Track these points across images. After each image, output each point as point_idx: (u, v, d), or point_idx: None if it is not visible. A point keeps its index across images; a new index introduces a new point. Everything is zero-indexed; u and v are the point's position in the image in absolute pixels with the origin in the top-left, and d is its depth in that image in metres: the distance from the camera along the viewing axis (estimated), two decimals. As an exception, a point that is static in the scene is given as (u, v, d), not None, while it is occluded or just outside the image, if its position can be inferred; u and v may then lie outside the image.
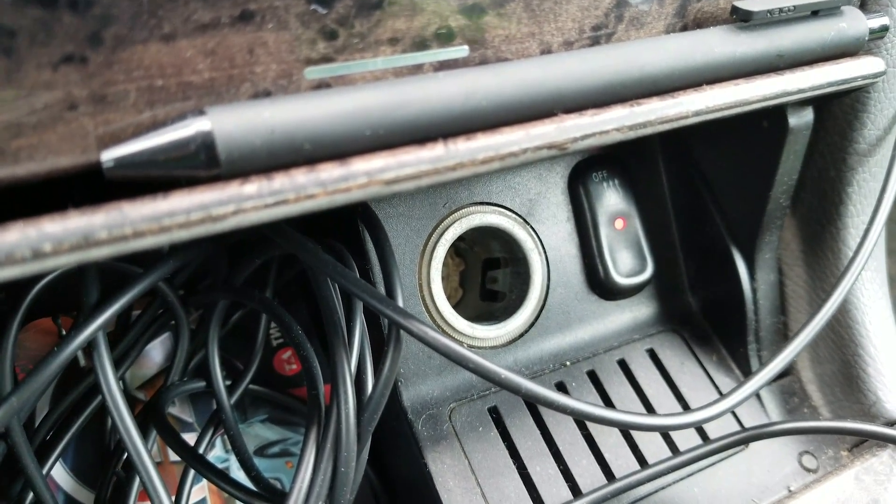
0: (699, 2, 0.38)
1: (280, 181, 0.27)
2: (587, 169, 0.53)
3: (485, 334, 0.48)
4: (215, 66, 0.29)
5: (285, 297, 0.58)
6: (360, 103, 0.29)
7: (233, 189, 0.27)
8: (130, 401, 0.53)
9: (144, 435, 0.47)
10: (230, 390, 0.49)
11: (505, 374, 0.35)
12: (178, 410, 0.54)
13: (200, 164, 0.27)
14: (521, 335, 0.50)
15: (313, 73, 0.30)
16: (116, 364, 0.48)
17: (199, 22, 0.28)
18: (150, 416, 0.46)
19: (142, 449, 0.37)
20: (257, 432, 0.54)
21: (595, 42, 0.36)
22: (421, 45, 0.32)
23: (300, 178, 0.28)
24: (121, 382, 0.52)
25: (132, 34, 0.27)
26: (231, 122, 0.27)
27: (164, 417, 0.46)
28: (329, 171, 0.28)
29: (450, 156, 0.30)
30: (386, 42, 0.31)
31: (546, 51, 0.35)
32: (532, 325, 0.50)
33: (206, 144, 0.27)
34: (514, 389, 0.35)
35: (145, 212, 0.25)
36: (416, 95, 0.30)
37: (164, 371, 0.55)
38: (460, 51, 0.33)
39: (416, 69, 0.32)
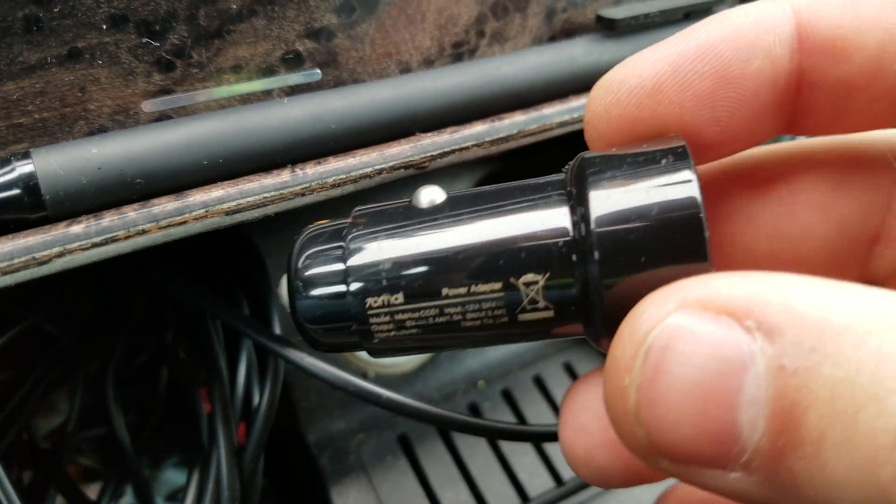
0: (565, 12, 0.38)
1: (109, 219, 0.27)
2: (492, 180, 0.52)
3: (392, 360, 0.48)
4: (46, 107, 0.28)
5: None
6: (194, 134, 0.28)
7: (58, 231, 0.26)
8: (35, 454, 0.51)
9: (45, 491, 0.45)
10: (136, 434, 0.48)
11: (386, 394, 0.34)
12: (89, 459, 0.52)
13: (26, 208, 0.26)
14: (432, 359, 0.49)
15: (151, 106, 0.29)
16: (11, 416, 0.46)
17: (25, 63, 0.27)
18: (49, 472, 0.45)
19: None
20: (168, 477, 0.52)
21: (458, 59, 0.35)
22: (268, 71, 0.31)
23: (131, 214, 0.27)
24: (25, 434, 0.51)
25: (-47, 80, 0.26)
26: (55, 163, 0.26)
27: (63, 472, 0.44)
28: (163, 206, 0.27)
29: (297, 181, 0.29)
30: (229, 70, 0.30)
31: (405, 70, 0.34)
32: (443, 347, 0.50)
33: (28, 187, 0.26)
34: (396, 409, 0.34)
35: (-38, 260, 0.24)
36: (256, 122, 0.29)
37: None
38: (312, 75, 0.32)
39: (266, 95, 0.31)
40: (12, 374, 0.50)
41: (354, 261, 0.18)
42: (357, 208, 0.20)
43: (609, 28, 0.37)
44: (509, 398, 0.50)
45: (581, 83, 0.36)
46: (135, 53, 0.28)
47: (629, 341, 0.15)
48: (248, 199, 0.28)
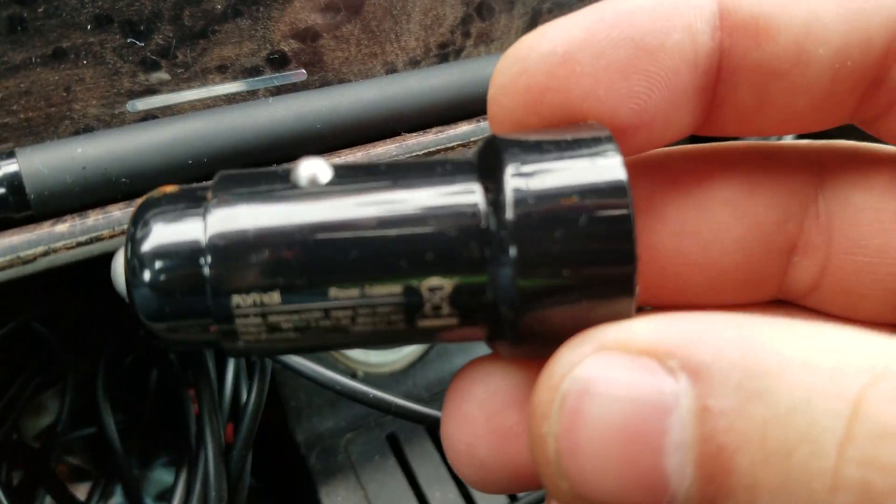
0: (551, 13, 0.38)
1: (94, 218, 0.27)
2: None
3: (381, 359, 0.48)
4: (31, 106, 0.28)
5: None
6: (178, 133, 0.28)
7: (43, 230, 0.26)
8: (24, 453, 0.51)
9: (35, 491, 0.46)
10: (125, 434, 0.48)
11: (374, 393, 0.35)
12: (79, 459, 0.52)
13: (10, 207, 0.27)
14: (421, 357, 0.50)
15: (136, 105, 0.29)
16: (0, 416, 0.46)
17: (9, 63, 0.27)
18: (37, 473, 0.45)
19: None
20: (158, 477, 0.52)
21: (443, 59, 0.36)
22: (253, 71, 0.31)
23: (116, 213, 0.27)
24: (14, 434, 0.51)
25: (-63, 79, 0.26)
26: (40, 162, 0.26)
27: (51, 472, 0.44)
28: (147, 205, 0.27)
29: (281, 181, 0.30)
30: (214, 70, 0.31)
31: (391, 71, 0.35)
32: (431, 346, 0.50)
33: (13, 186, 0.26)
34: (384, 408, 0.35)
35: (-53, 258, 0.24)
36: (241, 122, 0.29)
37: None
38: (297, 75, 0.32)
39: (251, 95, 0.32)
40: (1, 374, 0.50)
41: (216, 249, 0.14)
42: (222, 172, 0.16)
43: (594, 28, 0.37)
44: (498, 397, 0.50)
45: (566, 83, 0.36)
46: (120, 54, 0.29)
47: (545, 387, 0.14)
48: (233, 198, 0.29)
